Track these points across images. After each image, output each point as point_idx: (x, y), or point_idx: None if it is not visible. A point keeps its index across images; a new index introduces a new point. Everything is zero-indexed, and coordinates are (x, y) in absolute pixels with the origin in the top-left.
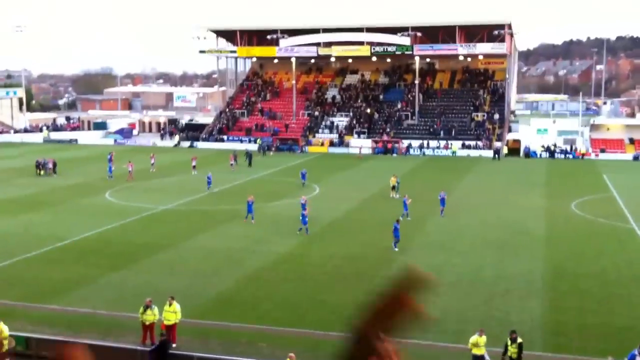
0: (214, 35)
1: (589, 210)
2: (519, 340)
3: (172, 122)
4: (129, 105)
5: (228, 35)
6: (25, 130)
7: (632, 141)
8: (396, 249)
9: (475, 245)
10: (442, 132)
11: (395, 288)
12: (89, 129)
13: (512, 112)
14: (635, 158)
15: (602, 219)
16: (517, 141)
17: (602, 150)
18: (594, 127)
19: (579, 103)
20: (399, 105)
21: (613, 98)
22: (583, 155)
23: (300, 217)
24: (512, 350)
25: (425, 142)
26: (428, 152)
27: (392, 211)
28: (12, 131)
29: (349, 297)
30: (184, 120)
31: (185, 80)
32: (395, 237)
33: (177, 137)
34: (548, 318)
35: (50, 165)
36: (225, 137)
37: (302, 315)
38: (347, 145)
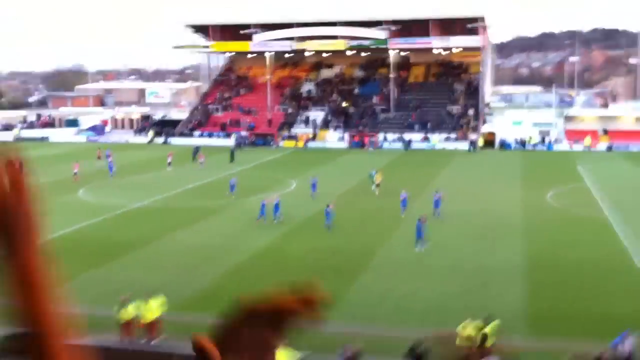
0: (187, 30)
1: (564, 201)
2: (485, 329)
3: (146, 118)
4: (101, 102)
5: (201, 30)
6: None
7: (605, 132)
8: (418, 249)
9: (454, 236)
10: (417, 126)
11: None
12: (60, 126)
13: (487, 105)
14: (609, 149)
15: (578, 209)
16: (492, 133)
17: (576, 142)
18: (568, 119)
19: (553, 94)
20: (375, 99)
21: (587, 89)
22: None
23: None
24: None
25: (405, 134)
26: (404, 145)
27: (370, 204)
28: None
29: (331, 289)
30: (158, 116)
31: (158, 76)
32: (418, 236)
33: (151, 133)
34: (528, 307)
35: None
36: (198, 132)
37: None
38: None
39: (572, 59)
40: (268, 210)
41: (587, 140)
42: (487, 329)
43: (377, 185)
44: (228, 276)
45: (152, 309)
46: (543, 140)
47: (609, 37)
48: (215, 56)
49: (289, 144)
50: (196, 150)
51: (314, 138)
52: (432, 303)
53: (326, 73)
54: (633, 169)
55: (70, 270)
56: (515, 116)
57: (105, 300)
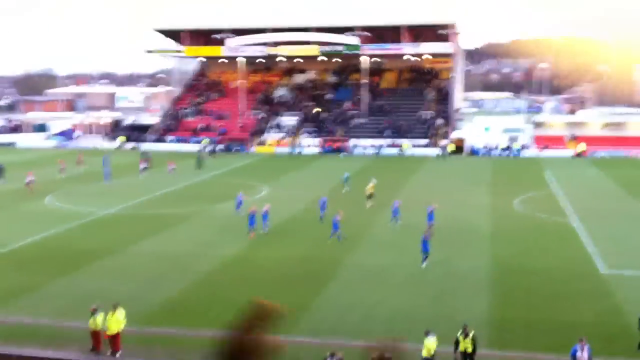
0: (160, 35)
1: (532, 207)
2: (471, 333)
3: (116, 123)
4: (71, 107)
5: (174, 35)
6: None
7: (573, 138)
8: (423, 265)
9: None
10: (389, 132)
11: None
12: (28, 131)
13: (458, 110)
14: (578, 155)
15: (544, 215)
16: (462, 139)
17: (545, 147)
18: (537, 125)
19: (522, 101)
20: (348, 105)
21: (556, 95)
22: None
23: (332, 227)
24: (467, 344)
25: (376, 141)
26: (376, 150)
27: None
28: None
29: (300, 298)
30: (128, 121)
31: (130, 80)
32: (425, 250)
33: (120, 139)
34: (495, 314)
35: None
36: (170, 137)
37: None
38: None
39: (541, 65)
40: (258, 220)
41: (582, 147)
42: (466, 339)
43: (369, 197)
44: (197, 285)
45: (118, 320)
46: (510, 147)
47: (576, 46)
48: (187, 61)
49: (261, 149)
50: (144, 155)
51: (288, 143)
52: (399, 311)
53: (299, 78)
54: (599, 175)
55: (36, 279)
56: (484, 122)
57: (71, 312)
